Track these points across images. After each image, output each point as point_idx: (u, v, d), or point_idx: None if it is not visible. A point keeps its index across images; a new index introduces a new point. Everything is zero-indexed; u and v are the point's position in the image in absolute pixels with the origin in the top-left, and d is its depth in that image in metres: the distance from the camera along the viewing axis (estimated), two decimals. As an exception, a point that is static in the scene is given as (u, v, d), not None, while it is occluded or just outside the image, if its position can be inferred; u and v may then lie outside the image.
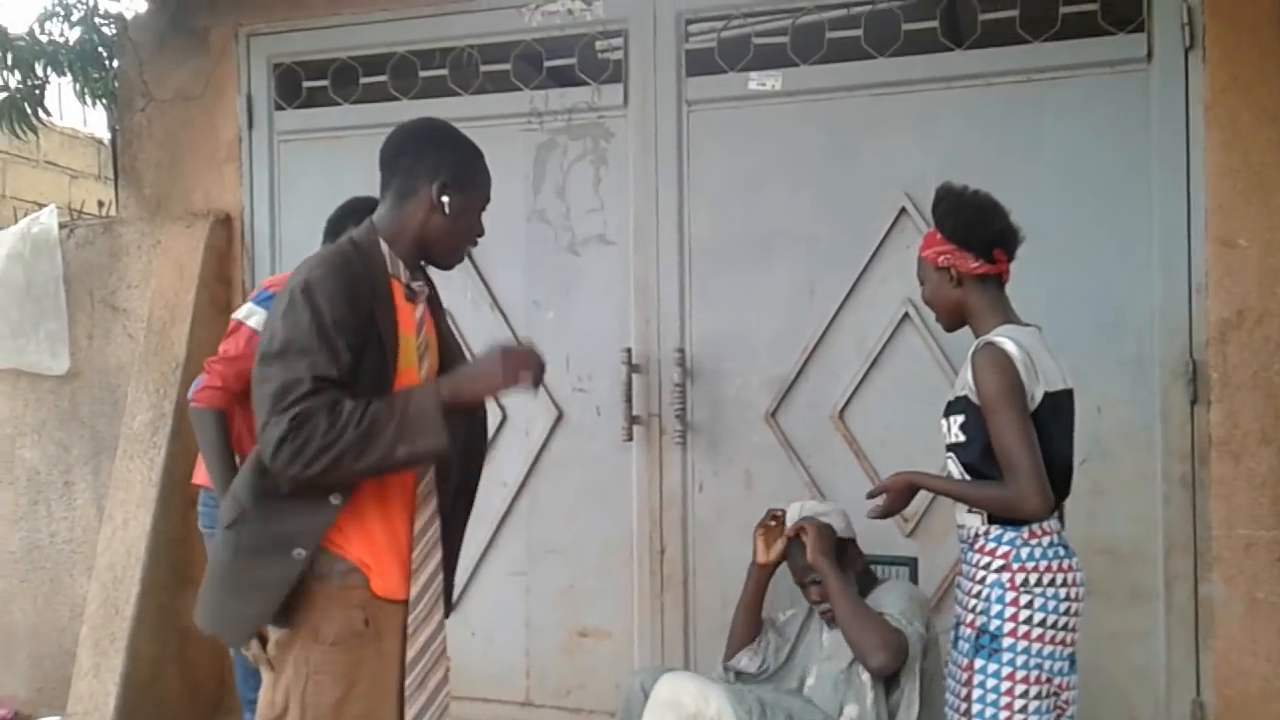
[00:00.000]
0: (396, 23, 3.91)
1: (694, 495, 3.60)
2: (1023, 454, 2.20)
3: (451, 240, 2.05)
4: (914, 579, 3.10)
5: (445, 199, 2.01)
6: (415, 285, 2.05)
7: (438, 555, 2.06)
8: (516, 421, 3.77)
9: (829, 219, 3.48)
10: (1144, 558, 3.10)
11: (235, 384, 2.75)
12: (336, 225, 2.86)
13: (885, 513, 2.48)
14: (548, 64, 3.82)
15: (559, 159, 3.76)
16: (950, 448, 2.38)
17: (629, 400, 3.58)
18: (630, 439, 3.60)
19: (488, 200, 2.10)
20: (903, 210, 3.39)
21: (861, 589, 2.88)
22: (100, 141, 6.55)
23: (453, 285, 3.79)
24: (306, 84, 4.08)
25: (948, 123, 3.36)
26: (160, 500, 3.78)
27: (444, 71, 3.88)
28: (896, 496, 2.46)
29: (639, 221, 3.66)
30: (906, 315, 3.39)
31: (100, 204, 5.18)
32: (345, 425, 1.81)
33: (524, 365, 1.96)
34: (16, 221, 4.48)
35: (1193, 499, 3.10)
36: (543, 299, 3.77)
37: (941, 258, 2.38)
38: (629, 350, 3.60)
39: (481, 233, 2.11)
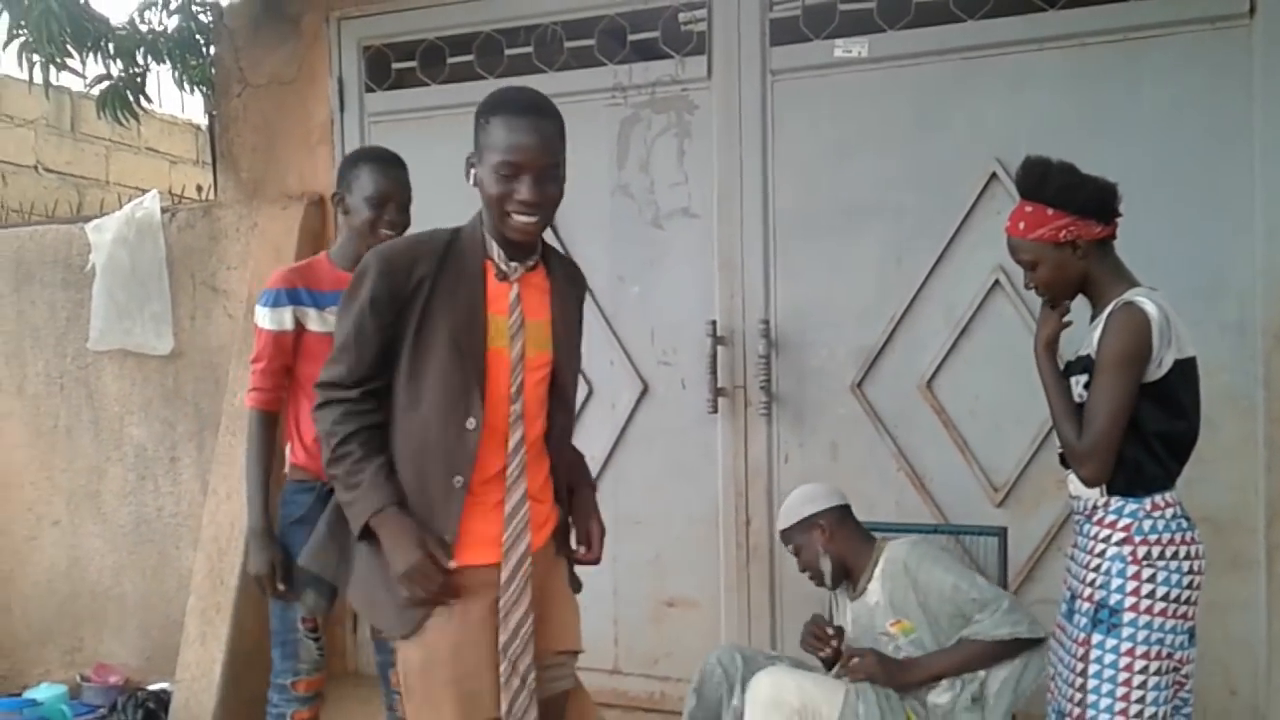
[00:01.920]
0: (481, 2, 3.96)
1: (779, 467, 3.60)
2: (1105, 420, 2.18)
3: (491, 209, 2.05)
4: (1003, 550, 3.06)
5: (472, 171, 2.08)
6: (509, 266, 2.09)
7: (527, 538, 2.09)
8: (602, 395, 3.81)
9: (916, 187, 3.43)
10: (1244, 527, 3.02)
11: (263, 382, 2.75)
12: (333, 195, 2.85)
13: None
14: (631, 38, 3.83)
15: (643, 133, 3.78)
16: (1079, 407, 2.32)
17: (714, 372, 3.59)
18: (715, 411, 3.61)
19: (508, 161, 1.99)
20: (993, 176, 3.34)
21: (858, 563, 2.84)
22: (198, 127, 6.76)
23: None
24: (395, 65, 4.16)
25: (1039, 86, 3.29)
26: (263, 473, 3.90)
27: (529, 49, 3.92)
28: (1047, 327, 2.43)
29: (723, 194, 3.66)
30: (997, 283, 3.34)
31: (199, 188, 5.36)
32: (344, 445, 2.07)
33: (418, 583, 2.00)
34: (121, 207, 4.65)
35: (1299, 466, 3.02)
36: (627, 273, 3.79)
37: (1064, 232, 2.29)
38: (714, 323, 3.61)
39: (510, 195, 2.00)
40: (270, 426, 2.78)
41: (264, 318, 2.72)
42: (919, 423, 3.44)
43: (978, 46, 3.36)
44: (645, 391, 3.77)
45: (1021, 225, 2.35)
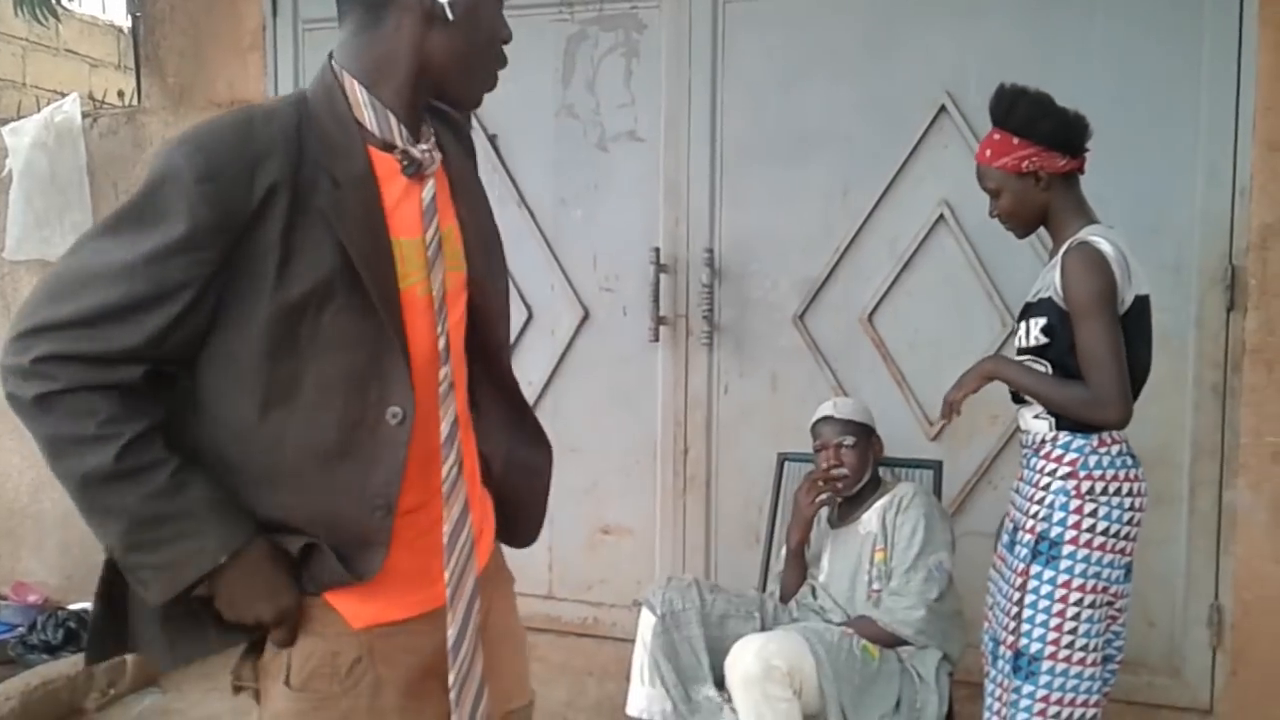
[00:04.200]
0: (424, -94, 3.79)
1: (719, 397, 3.59)
2: (1110, 361, 2.16)
3: (471, 61, 1.38)
4: (938, 482, 3.11)
5: (447, 5, 1.33)
6: (419, 151, 1.37)
7: (474, 567, 1.43)
8: (542, 320, 3.75)
9: (865, 117, 3.39)
10: (1170, 463, 3.09)
11: None
12: None
13: (952, 402, 2.44)
14: (579, -47, 3.70)
15: (589, 51, 3.68)
16: (1026, 351, 2.32)
17: (656, 300, 3.55)
18: (656, 339, 3.58)
19: None
20: (942, 108, 3.31)
21: (867, 490, 2.88)
22: (120, 29, 6.45)
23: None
24: (331, -29, 3.98)
25: (992, 18, 3.25)
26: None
27: (472, -41, 3.77)
28: (964, 385, 2.41)
29: (670, 117, 3.59)
30: (941, 217, 3.33)
31: (120, 94, 5.12)
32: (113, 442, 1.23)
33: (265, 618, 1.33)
34: (39, 111, 4.43)
35: (1222, 406, 3.08)
36: (570, 197, 3.72)
37: (1026, 162, 2.28)
38: (657, 250, 3.56)
39: (509, 38, 1.43)
40: None
41: None
42: (859, 355, 3.45)
43: (932, -25, 3.31)
44: (586, 318, 3.72)
45: (988, 152, 2.34)
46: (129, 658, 3.55)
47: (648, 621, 2.73)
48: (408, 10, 1.33)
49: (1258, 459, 3.04)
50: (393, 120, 1.34)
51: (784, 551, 3.03)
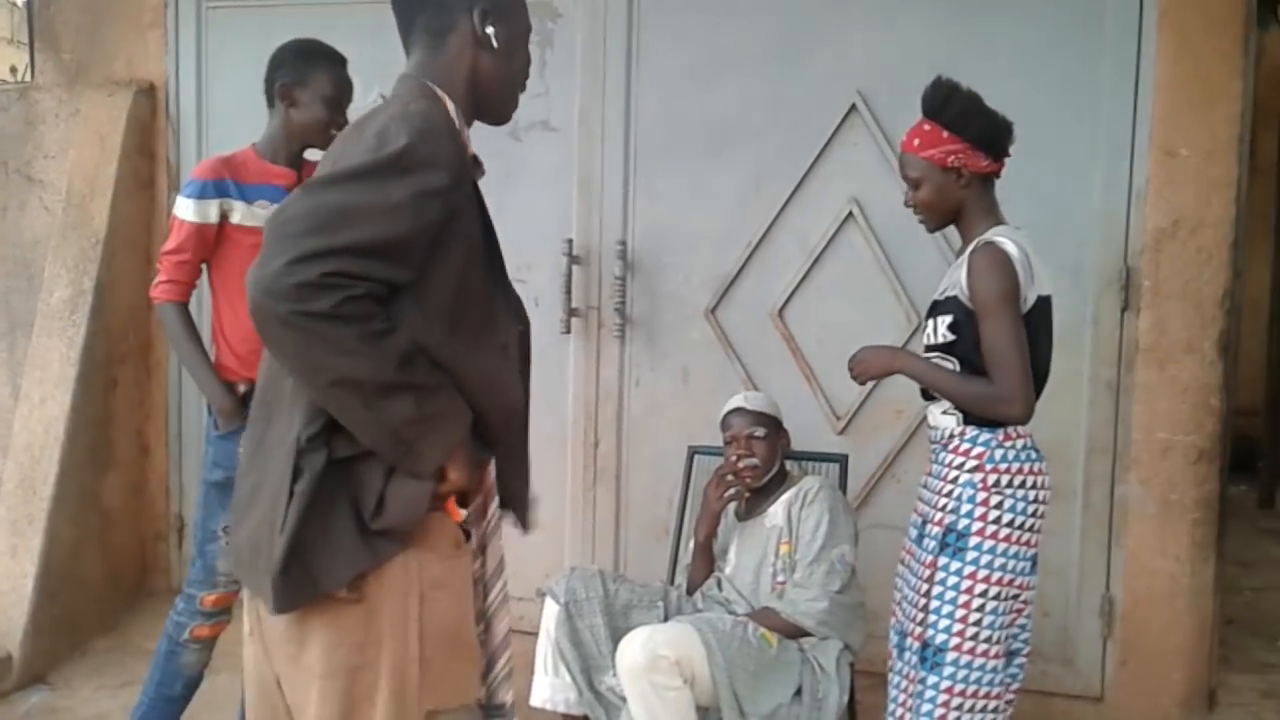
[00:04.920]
0: (334, -115, 3.71)
1: (630, 389, 3.59)
2: (1013, 358, 2.20)
3: (507, 82, 1.68)
4: (843, 476, 3.14)
5: (490, 30, 1.62)
6: (477, 155, 1.69)
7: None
8: (452, 310, 3.70)
9: (779, 114, 3.42)
10: (1065, 459, 3.17)
11: (179, 274, 2.68)
12: (272, 79, 2.71)
13: (859, 374, 2.47)
14: (494, -62, 3.65)
15: (503, 40, 3.63)
16: (934, 348, 2.35)
17: (568, 292, 3.54)
18: (568, 331, 3.56)
19: (530, 28, 1.74)
20: (853, 107, 3.35)
21: (774, 483, 2.90)
22: (14, 3, 6.19)
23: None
24: (237, -52, 3.87)
25: (903, 20, 3.31)
26: (80, 380, 3.67)
27: (383, -59, 3.70)
28: (871, 364, 2.44)
29: (584, 108, 3.57)
30: (850, 214, 3.37)
31: (13, 70, 4.92)
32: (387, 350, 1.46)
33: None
34: (-78, 83, 4.23)
35: (1116, 403, 3.18)
36: (483, 185, 3.66)
37: (951, 157, 2.30)
38: (570, 241, 3.54)
39: (528, 72, 1.74)
40: (191, 318, 2.71)
41: (188, 209, 2.64)
42: (768, 350, 3.47)
43: (846, -26, 3.35)
44: (496, 309, 3.68)
45: (916, 141, 2.35)
46: (14, 654, 3.42)
47: (551, 611, 2.72)
48: (464, 37, 1.62)
49: (1149, 454, 3.15)
50: (466, 130, 1.63)
51: (692, 544, 3.04)
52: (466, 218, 1.56)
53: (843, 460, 3.15)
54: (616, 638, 2.68)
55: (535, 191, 3.63)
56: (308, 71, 2.66)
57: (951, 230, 2.46)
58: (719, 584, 2.92)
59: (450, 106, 1.59)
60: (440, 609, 1.58)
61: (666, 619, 2.75)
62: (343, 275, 1.41)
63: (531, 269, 3.63)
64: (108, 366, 3.81)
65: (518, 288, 3.79)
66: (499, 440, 1.65)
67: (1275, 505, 6.44)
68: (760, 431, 2.87)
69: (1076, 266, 3.19)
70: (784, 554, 2.80)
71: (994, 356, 2.23)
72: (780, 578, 2.79)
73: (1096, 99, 3.16)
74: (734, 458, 2.88)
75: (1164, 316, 3.13)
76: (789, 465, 3.04)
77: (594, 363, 3.60)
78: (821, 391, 3.42)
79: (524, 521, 1.87)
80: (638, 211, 3.55)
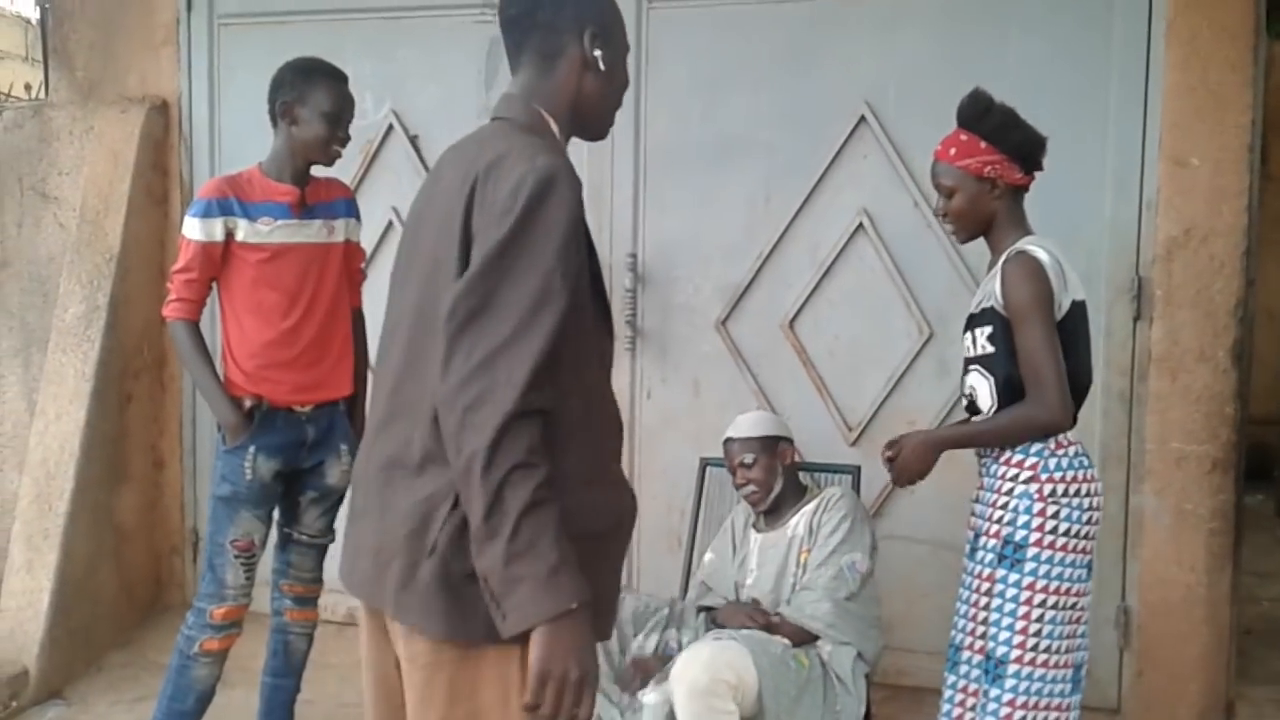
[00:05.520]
0: (345, -97, 3.74)
1: (642, 402, 3.60)
2: (1049, 366, 2.21)
3: (609, 102, 1.71)
4: (856, 487, 3.13)
5: (599, 52, 1.64)
6: None
7: None
8: (464, 323, 3.71)
9: (787, 126, 3.43)
10: (1081, 470, 3.16)
11: (188, 293, 2.73)
12: (274, 98, 2.75)
13: (902, 477, 2.43)
14: (503, -46, 3.68)
15: (512, 54, 3.65)
16: (976, 360, 2.36)
17: (579, 304, 3.54)
18: (579, 343, 3.57)
19: (629, 47, 1.78)
20: (862, 119, 3.35)
21: (790, 498, 2.90)
22: (28, 21, 6.24)
23: (402, 184, 3.71)
24: (249, -35, 3.90)
25: (911, 31, 3.31)
26: (94, 395, 3.68)
27: (394, -43, 3.73)
28: (910, 458, 2.40)
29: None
30: (860, 226, 3.37)
31: (28, 87, 4.96)
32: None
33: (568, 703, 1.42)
34: (-62, 102, 4.27)
35: (1129, 413, 3.17)
36: (493, 199, 3.68)
37: (988, 168, 2.32)
38: (580, 254, 3.55)
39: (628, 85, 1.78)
40: (200, 336, 2.75)
41: (194, 228, 2.69)
42: (780, 361, 3.47)
43: (854, -14, 3.36)
44: (508, 322, 3.69)
45: (952, 151, 2.37)
46: (30, 669, 3.43)
47: None
48: (573, 61, 1.65)
49: (1163, 464, 3.13)
50: (564, 147, 1.64)
51: (706, 558, 3.04)
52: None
53: (855, 471, 3.14)
54: (623, 645, 2.69)
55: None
56: (307, 89, 2.70)
57: (985, 240, 2.46)
58: (738, 595, 2.92)
59: (555, 128, 1.65)
60: None
61: (671, 624, 2.76)
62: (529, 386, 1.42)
63: (542, 282, 3.64)
64: (122, 382, 3.83)
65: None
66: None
67: (1292, 514, 6.39)
68: (749, 458, 2.88)
69: (1088, 276, 3.13)
70: (804, 562, 2.80)
71: (1029, 367, 2.25)
72: (799, 585, 2.79)
73: (1105, 109, 3.16)
74: (737, 485, 2.90)
75: (1176, 326, 3.12)
76: (807, 478, 3.04)
77: (605, 375, 3.59)
78: (833, 402, 3.42)
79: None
80: (648, 224, 3.56)
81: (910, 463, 2.41)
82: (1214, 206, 3.08)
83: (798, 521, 2.86)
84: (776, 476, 2.89)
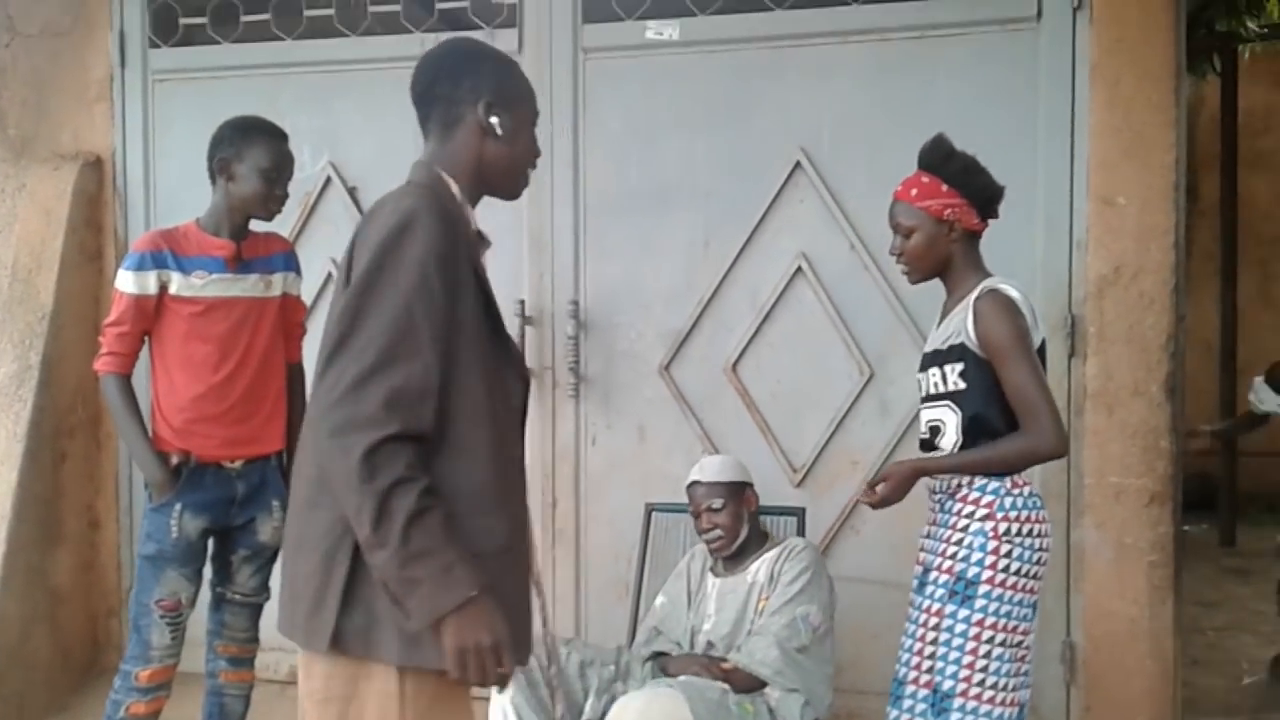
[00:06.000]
0: (279, -43, 3.75)
1: (587, 448, 3.58)
2: (1042, 397, 2.25)
3: (513, 165, 1.84)
4: (801, 529, 3.14)
5: (494, 119, 1.78)
6: (481, 230, 1.85)
7: None
8: (406, 374, 3.68)
9: (724, 172, 3.46)
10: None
11: (120, 346, 2.72)
12: (213, 155, 2.77)
13: (884, 502, 2.42)
14: (439, 6, 3.70)
15: (450, 105, 3.66)
16: (944, 396, 2.37)
17: (522, 353, 3.54)
18: (523, 392, 3.55)
19: (538, 114, 1.91)
20: (797, 165, 3.40)
21: (752, 544, 2.89)
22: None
23: (340, 235, 3.69)
24: (184, 21, 3.89)
25: (843, 77, 3.37)
26: (27, 455, 3.59)
27: (330, 11, 3.74)
28: (897, 486, 2.40)
29: (534, 171, 3.58)
30: (799, 269, 3.40)
31: (-40, 144, 4.88)
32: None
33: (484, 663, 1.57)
34: None
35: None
36: (434, 249, 3.67)
37: (948, 210, 2.36)
38: (522, 302, 3.55)
39: (539, 153, 1.92)
40: (130, 390, 2.73)
41: (127, 281, 2.69)
42: (724, 405, 3.48)
43: (785, 36, 3.41)
44: (451, 371, 3.67)
45: (914, 191, 2.40)
46: None
47: None
48: (470, 128, 1.79)
49: (1102, 498, 3.17)
50: (468, 208, 1.79)
51: (658, 601, 3.02)
52: (466, 286, 1.68)
53: (800, 513, 3.15)
54: (573, 701, 2.65)
55: (488, 254, 3.63)
56: (244, 146, 2.73)
57: (899, 281, 2.50)
58: (692, 640, 2.89)
59: (455, 188, 1.77)
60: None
61: (617, 678, 2.72)
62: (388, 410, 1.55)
63: (485, 331, 3.63)
64: (56, 441, 3.75)
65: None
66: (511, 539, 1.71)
67: (1236, 544, 6.48)
68: (718, 502, 2.87)
69: (1023, 314, 3.23)
70: (762, 609, 2.79)
71: (1022, 400, 2.27)
72: (754, 629, 2.77)
73: (1034, 151, 3.23)
74: (701, 530, 2.88)
75: (1110, 361, 3.17)
76: (770, 524, 3.03)
77: (549, 422, 3.58)
78: (778, 444, 3.43)
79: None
80: (589, 271, 3.57)
81: (893, 487, 2.41)
82: (1143, 244, 3.15)
83: (758, 568, 2.85)
84: (743, 523, 2.89)
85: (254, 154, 2.72)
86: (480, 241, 1.85)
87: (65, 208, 3.83)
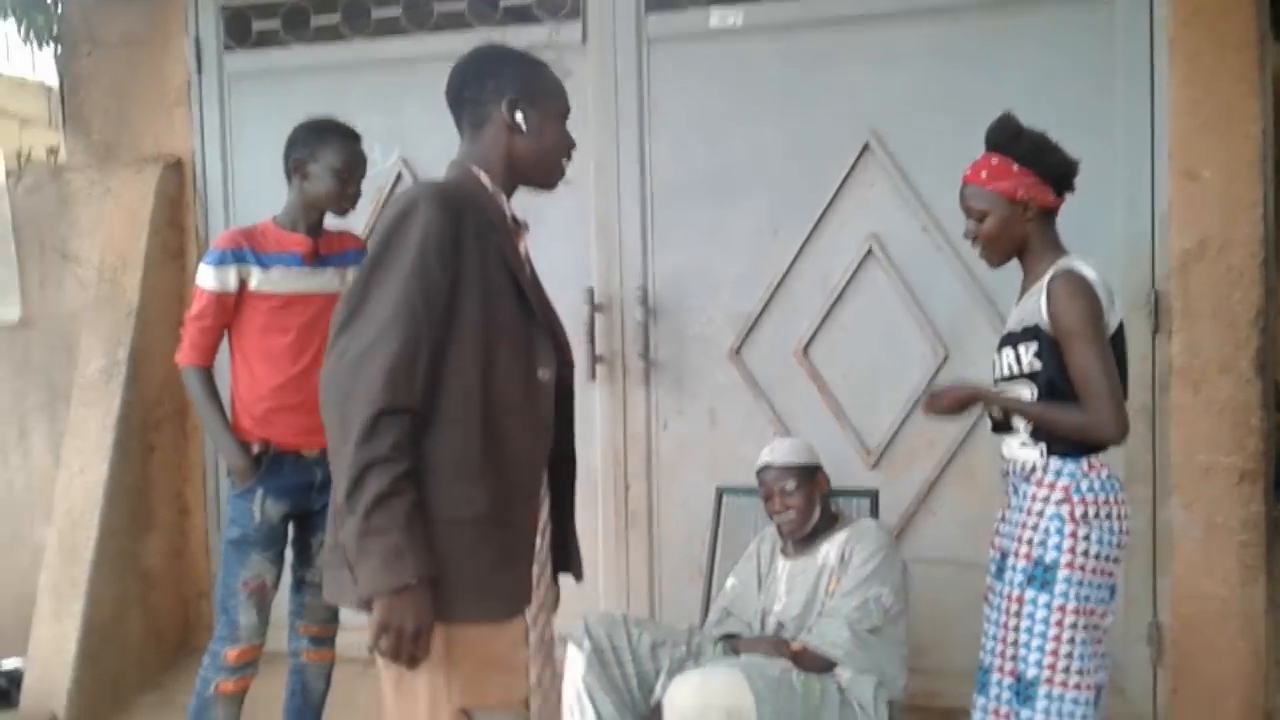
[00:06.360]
0: (348, -41, 3.82)
1: (658, 433, 3.59)
2: (1105, 380, 2.20)
3: (544, 157, 1.94)
4: (874, 511, 3.11)
5: (519, 115, 1.90)
6: (519, 216, 1.95)
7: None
8: (479, 364, 3.73)
9: (792, 157, 3.44)
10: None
11: (201, 339, 2.81)
12: (289, 155, 2.86)
13: (937, 409, 2.43)
14: (504, 3, 3.74)
15: (518, 97, 3.69)
16: (1020, 377, 2.33)
17: (591, 339, 3.56)
18: (593, 378, 3.58)
19: (568, 108, 2.00)
20: (866, 146, 3.37)
21: (822, 526, 2.88)
22: (50, 87, 6.39)
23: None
24: (257, 25, 3.98)
25: (912, 56, 3.33)
26: (116, 446, 3.72)
27: (397, 11, 3.80)
28: (953, 403, 2.41)
29: (600, 161, 3.61)
30: (870, 251, 3.37)
31: (52, 151, 5.06)
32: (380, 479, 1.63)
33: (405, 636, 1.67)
34: (-38, 170, 4.35)
35: (1153, 427, 3.13)
36: (504, 240, 3.70)
37: (1022, 190, 2.32)
38: (591, 289, 3.57)
39: (573, 144, 2.00)
40: (212, 381, 2.83)
41: (208, 277, 2.78)
42: (795, 388, 3.46)
43: (850, 18, 3.38)
44: (523, 360, 3.70)
45: (984, 174, 2.36)
46: (59, 715, 3.45)
47: (575, 658, 2.71)
48: (497, 125, 1.90)
49: (1189, 478, 3.09)
50: (502, 197, 1.91)
51: (728, 583, 3.02)
52: (485, 266, 1.79)
53: (873, 495, 3.12)
54: (645, 682, 2.66)
55: (555, 243, 3.63)
56: (319, 147, 2.80)
57: (974, 262, 2.46)
58: (763, 621, 2.89)
59: (485, 179, 1.89)
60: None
61: (689, 658, 2.73)
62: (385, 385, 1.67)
63: (556, 320, 3.66)
64: (144, 433, 3.87)
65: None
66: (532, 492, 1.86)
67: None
68: (790, 485, 2.85)
69: (1102, 291, 3.16)
70: (833, 590, 2.77)
71: (1085, 382, 2.22)
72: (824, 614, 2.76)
73: (1112, 125, 3.15)
74: (773, 512, 2.87)
75: (1196, 338, 3.09)
76: (841, 506, 3.01)
77: (621, 408, 3.60)
78: (851, 427, 3.40)
79: (577, 572, 2.15)
80: (657, 257, 3.57)
81: (954, 406, 2.41)
82: (1229, 217, 3.06)
83: (828, 549, 2.83)
84: (814, 505, 2.88)
85: (327, 154, 2.79)
86: (517, 229, 1.93)
87: (148, 209, 3.95)
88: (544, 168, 1.96)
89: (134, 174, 4.03)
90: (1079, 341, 2.22)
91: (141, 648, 3.83)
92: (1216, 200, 3.06)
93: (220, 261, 2.76)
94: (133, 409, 3.79)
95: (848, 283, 3.40)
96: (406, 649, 1.66)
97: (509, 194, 1.94)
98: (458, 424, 1.73)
